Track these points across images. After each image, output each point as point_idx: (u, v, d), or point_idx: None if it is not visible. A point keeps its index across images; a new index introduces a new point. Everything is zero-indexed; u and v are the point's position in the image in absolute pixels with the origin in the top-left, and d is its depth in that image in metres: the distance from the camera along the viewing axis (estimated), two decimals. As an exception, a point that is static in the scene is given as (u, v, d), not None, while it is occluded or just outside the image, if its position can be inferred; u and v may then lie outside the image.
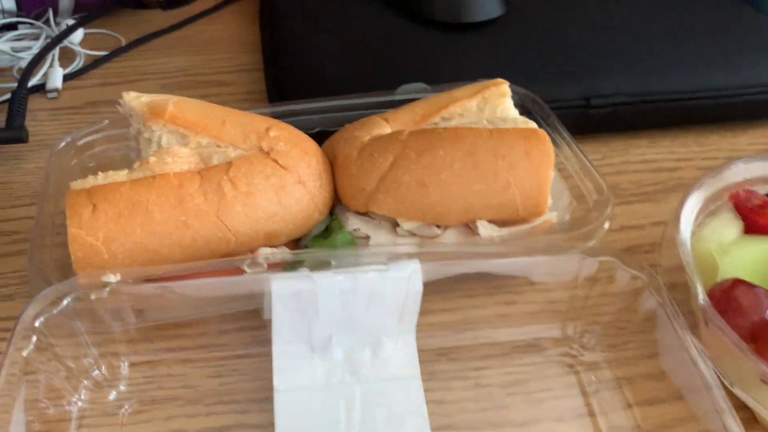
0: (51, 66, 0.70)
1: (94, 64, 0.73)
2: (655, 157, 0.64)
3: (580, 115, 0.62)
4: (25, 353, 0.37)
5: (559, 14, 0.68)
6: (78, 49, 0.73)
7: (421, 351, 0.45)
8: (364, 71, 0.63)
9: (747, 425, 0.38)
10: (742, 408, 0.41)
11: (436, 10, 0.66)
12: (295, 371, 0.43)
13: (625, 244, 0.55)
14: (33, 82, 0.68)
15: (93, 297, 0.39)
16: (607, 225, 0.48)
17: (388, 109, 0.54)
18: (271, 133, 0.48)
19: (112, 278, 0.40)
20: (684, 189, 0.60)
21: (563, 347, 0.47)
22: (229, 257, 0.45)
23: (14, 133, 0.58)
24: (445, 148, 0.47)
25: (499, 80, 0.53)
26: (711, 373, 0.39)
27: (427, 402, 0.43)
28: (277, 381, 0.43)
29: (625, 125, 0.65)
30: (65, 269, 0.45)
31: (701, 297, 0.40)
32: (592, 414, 0.44)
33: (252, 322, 0.48)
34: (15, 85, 0.66)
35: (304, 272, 0.41)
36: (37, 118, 0.66)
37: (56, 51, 0.71)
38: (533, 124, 0.49)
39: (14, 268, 0.52)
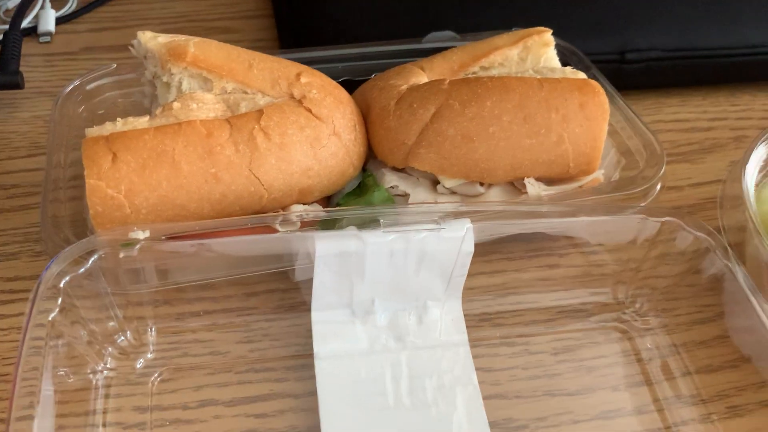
0: (42, 8, 0.64)
1: (87, 7, 0.67)
2: (687, 116, 0.62)
3: (614, 70, 0.59)
4: (50, 317, 0.33)
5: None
6: (70, -10, 0.67)
7: (465, 316, 0.42)
8: (388, 17, 0.59)
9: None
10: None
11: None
12: (336, 337, 0.40)
13: (665, 206, 0.53)
14: (23, 25, 0.62)
15: (122, 255, 0.35)
16: (660, 185, 0.45)
17: (417, 58, 0.51)
18: (303, 79, 0.44)
19: (141, 234, 0.36)
20: (725, 147, 0.58)
21: (614, 312, 0.44)
22: (260, 214, 0.42)
23: (9, 79, 0.53)
24: (493, 100, 0.43)
25: (542, 28, 0.49)
26: (783, 338, 0.37)
27: (476, 370, 0.40)
28: (318, 348, 0.39)
29: (658, 82, 0.62)
30: (80, 225, 0.41)
31: (774, 258, 0.38)
32: (649, 382, 0.41)
33: (280, 283, 0.45)
34: (4, 27, 0.61)
35: (351, 231, 0.38)
36: (30, 63, 0.60)
37: (47, -9, 0.66)
38: (583, 75, 0.46)
39: (16, 225, 0.47)
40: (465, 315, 0.43)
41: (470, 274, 0.46)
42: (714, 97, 0.63)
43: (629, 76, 0.60)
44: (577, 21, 0.59)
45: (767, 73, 0.63)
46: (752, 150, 0.43)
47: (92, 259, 0.35)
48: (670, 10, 0.60)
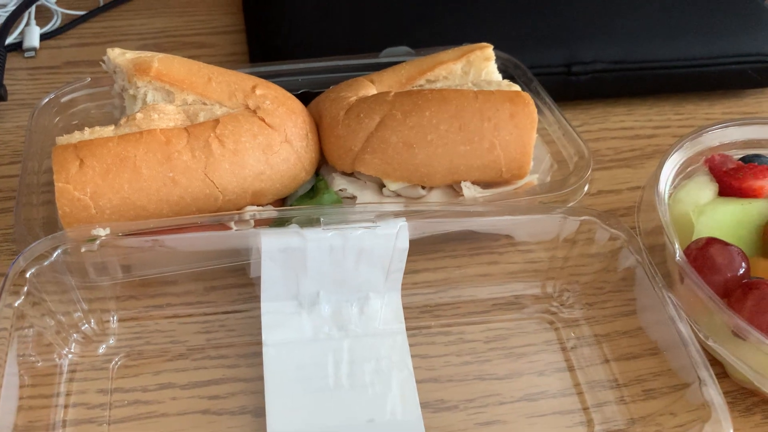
0: (27, 24, 0.69)
1: (71, 23, 0.71)
2: (633, 124, 0.65)
3: (561, 82, 0.63)
4: (16, 304, 0.37)
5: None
6: (54, 7, 0.72)
7: (406, 308, 0.46)
8: (349, 33, 0.63)
9: (717, 379, 0.39)
10: (712, 363, 0.43)
11: (421, -26, 0.66)
12: (283, 327, 0.44)
13: (602, 208, 0.56)
14: (9, 40, 0.67)
15: (83, 250, 0.39)
16: (587, 187, 0.49)
17: (373, 72, 0.55)
18: (258, 92, 0.48)
19: (102, 232, 0.40)
20: (661, 153, 0.62)
21: (543, 305, 0.48)
22: (216, 213, 0.45)
23: (-7, 91, 0.57)
24: (432, 110, 0.47)
25: (484, 44, 0.53)
26: (687, 328, 0.40)
27: (412, 356, 0.44)
28: (266, 336, 0.43)
29: (605, 93, 0.66)
30: (52, 227, 0.45)
31: (678, 254, 0.41)
32: (571, 368, 0.45)
33: (238, 279, 0.49)
34: (-9, 42, 0.65)
35: (293, 228, 0.42)
36: (15, 77, 0.64)
37: (32, 9, 0.70)
38: (517, 87, 0.50)
39: (-5, 226, 0.51)
40: (407, 307, 0.46)
41: (415, 270, 0.50)
42: (660, 107, 0.67)
43: (576, 87, 0.63)
44: (525, 35, 0.63)
45: (709, 84, 0.67)
46: (666, 157, 0.47)
47: (56, 253, 0.39)
48: (615, 24, 0.64)
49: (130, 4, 0.75)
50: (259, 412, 0.42)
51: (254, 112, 0.47)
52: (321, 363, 0.43)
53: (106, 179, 0.43)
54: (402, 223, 0.43)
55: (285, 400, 0.41)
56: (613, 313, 0.47)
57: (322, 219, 0.42)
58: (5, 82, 0.60)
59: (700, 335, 0.41)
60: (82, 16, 0.72)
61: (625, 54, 0.63)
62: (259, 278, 0.46)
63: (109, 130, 0.45)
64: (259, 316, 0.45)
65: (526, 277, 0.49)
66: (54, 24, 0.71)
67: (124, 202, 0.43)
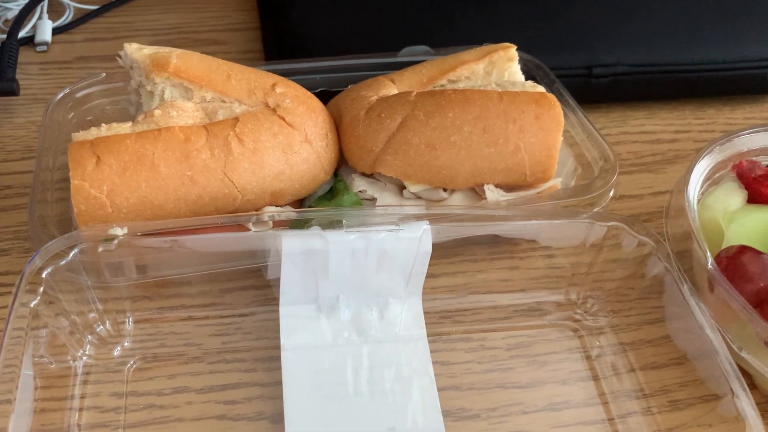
0: (40, 18, 0.68)
1: (83, 18, 0.70)
2: (653, 128, 0.64)
3: (582, 84, 0.62)
4: (32, 304, 0.36)
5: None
6: (67, 2, 0.71)
7: (426, 313, 0.45)
8: (367, 32, 0.62)
9: (747, 391, 0.38)
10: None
11: (441, -27, 0.65)
12: (302, 331, 0.43)
13: (624, 213, 0.55)
14: (21, 34, 0.66)
15: (100, 249, 0.38)
16: (612, 192, 0.48)
17: (392, 71, 0.54)
18: (278, 90, 0.47)
19: (119, 231, 0.39)
20: (687, 158, 0.61)
21: (566, 312, 0.47)
22: (234, 214, 0.44)
23: (5, 86, 0.57)
24: (455, 111, 0.46)
25: (507, 44, 0.52)
26: (718, 337, 0.39)
27: (433, 363, 0.43)
28: (284, 340, 0.42)
29: (625, 96, 0.65)
30: (66, 224, 0.44)
31: (710, 262, 0.40)
32: (595, 377, 0.44)
33: (254, 281, 0.48)
34: (2, 36, 0.64)
35: (315, 230, 0.41)
36: (26, 71, 0.64)
37: (45, 2, 0.69)
38: (541, 89, 0.49)
39: (7, 224, 0.50)
40: (427, 312, 0.45)
41: (434, 275, 0.49)
42: (680, 111, 0.66)
43: (596, 89, 0.62)
44: (546, 37, 0.62)
45: (730, 89, 0.66)
46: (696, 162, 0.46)
47: (72, 252, 0.38)
48: (636, 27, 0.63)
49: (143, -1, 0.74)
50: (276, 418, 0.41)
51: (274, 110, 0.46)
52: (340, 369, 0.42)
53: (123, 177, 0.42)
54: (425, 227, 0.42)
55: (304, 406, 0.40)
56: (639, 320, 0.46)
57: (344, 221, 0.41)
58: (17, 76, 0.59)
59: (733, 346, 0.40)
60: (95, 10, 0.71)
61: (647, 57, 0.62)
62: (275, 280, 0.45)
63: (126, 127, 0.43)
64: (275, 319, 0.44)
65: (548, 283, 0.48)
66: (66, 18, 0.70)
67: (141, 200, 0.42)
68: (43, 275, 0.37)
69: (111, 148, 0.42)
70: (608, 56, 0.62)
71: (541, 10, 0.64)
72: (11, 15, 0.68)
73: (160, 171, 0.42)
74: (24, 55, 0.65)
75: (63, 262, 0.38)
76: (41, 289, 0.37)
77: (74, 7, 0.71)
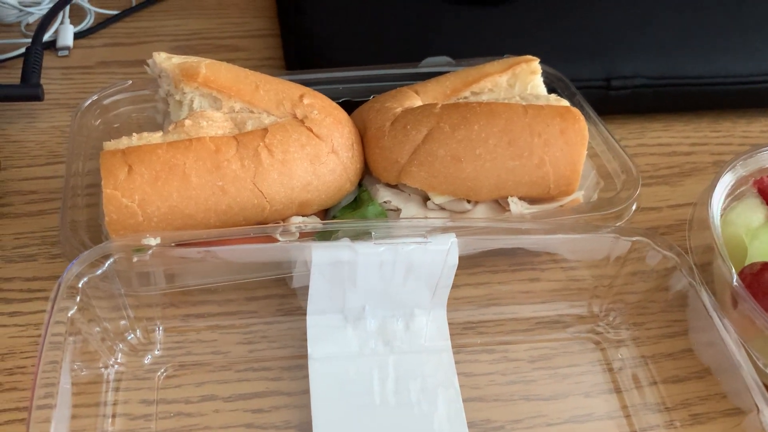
0: (62, 23, 0.68)
1: (104, 23, 0.71)
2: (670, 140, 0.65)
3: (600, 96, 0.62)
4: (70, 314, 0.36)
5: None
6: (88, 6, 0.71)
7: (449, 324, 0.46)
8: (388, 42, 0.62)
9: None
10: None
11: (462, -16, 0.65)
12: (328, 340, 0.43)
13: (644, 226, 0.56)
14: (43, 39, 0.66)
15: (135, 259, 0.39)
16: (635, 206, 0.48)
17: (414, 81, 0.54)
18: (305, 101, 0.47)
19: (152, 241, 0.39)
20: (704, 171, 0.61)
21: (588, 324, 0.48)
22: (262, 225, 0.45)
23: (31, 91, 0.57)
24: (480, 124, 0.47)
25: (530, 57, 0.53)
26: (742, 352, 0.40)
27: (457, 374, 0.43)
28: (311, 349, 0.43)
29: (643, 108, 0.65)
30: (95, 230, 0.45)
31: (735, 279, 0.41)
32: (618, 390, 0.44)
33: (279, 290, 0.48)
34: (24, 41, 0.64)
35: (344, 242, 0.41)
36: (49, 76, 0.64)
37: (67, 8, 0.69)
38: (566, 102, 0.50)
39: (33, 229, 0.51)
40: (449, 323, 0.46)
41: (456, 285, 0.49)
42: (697, 123, 0.67)
43: (615, 101, 0.63)
44: (565, 48, 0.62)
45: (747, 101, 0.66)
46: (720, 177, 0.46)
47: (108, 262, 0.38)
48: (655, 39, 0.64)
49: (163, 4, 0.75)
50: (304, 427, 0.41)
51: (302, 121, 0.46)
52: (367, 379, 0.42)
53: (154, 187, 0.42)
54: (453, 239, 0.42)
55: (331, 415, 0.40)
56: (661, 334, 0.47)
57: (373, 233, 0.41)
58: (40, 81, 0.59)
59: (759, 363, 0.40)
60: (115, 15, 0.71)
61: (666, 69, 0.63)
62: (300, 289, 0.45)
63: (157, 137, 0.44)
64: (300, 328, 0.45)
65: (569, 296, 0.49)
66: (87, 23, 0.70)
67: (172, 210, 0.42)
68: (80, 285, 0.38)
69: (143, 158, 0.42)
70: (627, 68, 0.62)
71: (560, 21, 0.64)
72: (32, 19, 0.69)
73: (191, 181, 0.43)
74: (46, 60, 0.65)
75: (99, 272, 0.38)
76: (78, 297, 0.37)
77: (95, 12, 0.71)
